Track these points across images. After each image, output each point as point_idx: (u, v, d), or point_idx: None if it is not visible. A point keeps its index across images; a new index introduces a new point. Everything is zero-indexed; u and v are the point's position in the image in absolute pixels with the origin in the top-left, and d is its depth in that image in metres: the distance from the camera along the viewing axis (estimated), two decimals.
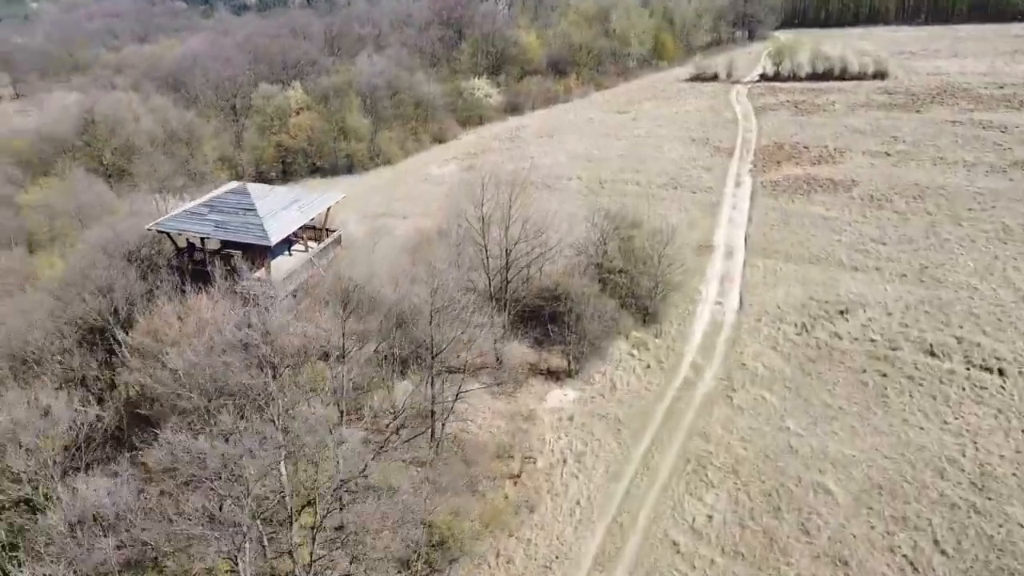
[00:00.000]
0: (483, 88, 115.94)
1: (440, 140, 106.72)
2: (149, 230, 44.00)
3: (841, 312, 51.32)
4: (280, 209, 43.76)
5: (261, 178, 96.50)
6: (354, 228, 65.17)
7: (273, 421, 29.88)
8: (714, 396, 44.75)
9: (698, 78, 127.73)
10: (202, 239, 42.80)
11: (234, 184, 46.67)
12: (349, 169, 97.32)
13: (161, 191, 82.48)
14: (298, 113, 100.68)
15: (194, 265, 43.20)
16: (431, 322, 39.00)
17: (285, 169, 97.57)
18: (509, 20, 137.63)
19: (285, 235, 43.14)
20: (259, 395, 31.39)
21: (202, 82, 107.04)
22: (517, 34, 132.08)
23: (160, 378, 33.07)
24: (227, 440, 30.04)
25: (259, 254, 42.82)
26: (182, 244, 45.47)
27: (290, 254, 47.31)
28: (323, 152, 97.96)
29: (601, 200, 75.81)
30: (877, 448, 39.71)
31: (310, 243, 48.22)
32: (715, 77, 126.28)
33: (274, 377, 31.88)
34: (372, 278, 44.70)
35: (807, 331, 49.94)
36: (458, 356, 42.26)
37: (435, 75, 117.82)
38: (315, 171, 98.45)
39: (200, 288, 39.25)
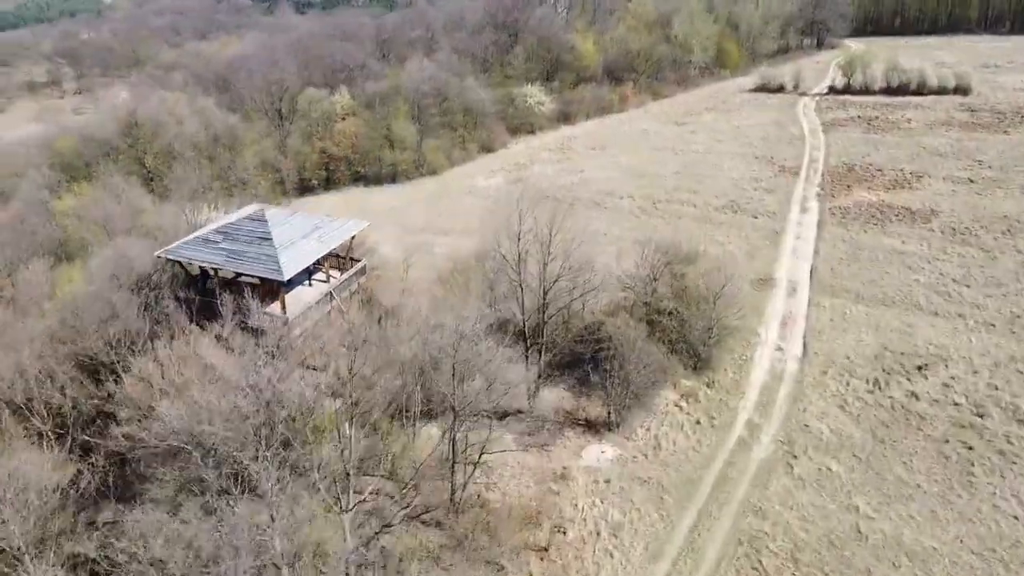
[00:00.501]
0: (535, 95, 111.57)
1: (488, 149, 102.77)
2: (159, 256, 40.95)
3: (919, 368, 45.59)
4: (299, 238, 40.26)
5: (303, 186, 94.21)
6: (389, 250, 61.64)
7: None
8: (772, 463, 39.67)
9: (762, 89, 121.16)
10: (214, 270, 39.59)
11: (252, 208, 43.40)
12: (393, 178, 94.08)
13: (193, 200, 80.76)
14: (344, 119, 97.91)
15: (203, 296, 39.96)
16: (453, 376, 34.95)
17: (328, 177, 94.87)
18: (565, 24, 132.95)
19: (302, 268, 39.62)
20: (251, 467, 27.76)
21: (249, 84, 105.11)
22: (573, 39, 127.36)
23: (147, 433, 29.69)
24: (212, 512, 26.50)
25: (274, 286, 39.33)
26: (195, 271, 42.39)
27: (310, 284, 43.86)
28: (367, 160, 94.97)
29: (653, 222, 71.22)
30: (961, 540, 34.24)
31: (333, 272, 44.68)
32: (781, 88, 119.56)
33: (268, 446, 28.13)
34: (391, 320, 40.84)
35: (880, 388, 44.36)
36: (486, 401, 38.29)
37: (486, 81, 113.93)
38: (359, 179, 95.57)
39: (205, 325, 35.93)
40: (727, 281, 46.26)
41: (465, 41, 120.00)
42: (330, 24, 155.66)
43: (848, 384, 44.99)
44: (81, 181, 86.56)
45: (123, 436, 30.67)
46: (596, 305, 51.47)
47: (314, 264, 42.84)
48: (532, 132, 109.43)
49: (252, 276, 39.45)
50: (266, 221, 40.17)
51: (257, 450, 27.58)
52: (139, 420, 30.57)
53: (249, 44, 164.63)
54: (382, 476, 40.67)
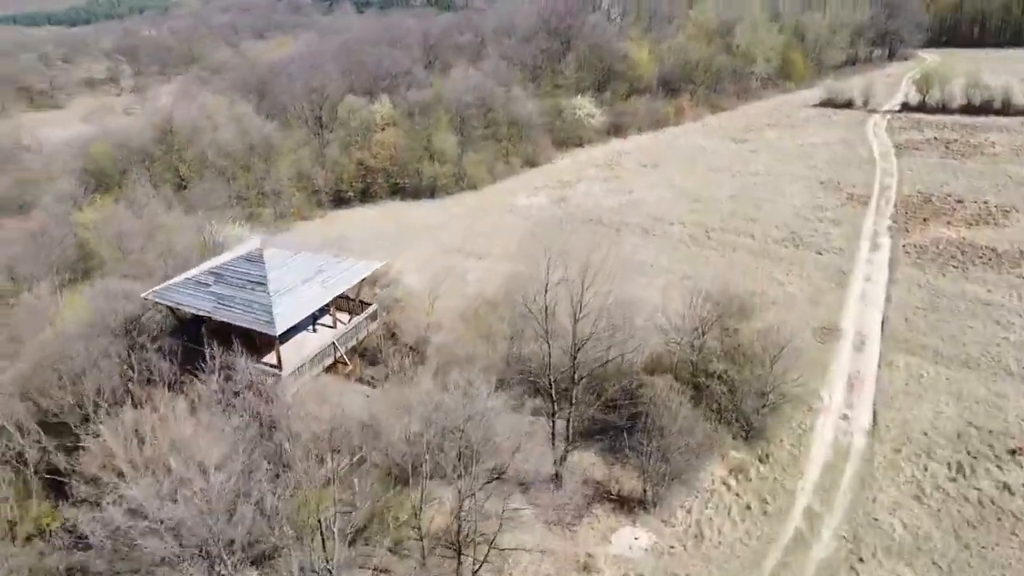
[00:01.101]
0: (585, 107, 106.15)
1: (532, 164, 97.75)
2: (146, 299, 37.09)
3: (1012, 452, 39.13)
4: (299, 283, 36.01)
5: (339, 198, 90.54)
6: (415, 280, 57.14)
7: None
8: (834, 567, 33.83)
9: (829, 104, 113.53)
10: (204, 317, 35.57)
11: (252, 245, 39.23)
12: (432, 193, 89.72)
13: (222, 210, 77.86)
14: (383, 129, 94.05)
15: (194, 344, 35.93)
16: (459, 459, 30.16)
17: (365, 189, 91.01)
18: (619, 32, 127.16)
19: (299, 319, 35.26)
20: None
21: (290, 90, 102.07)
22: (627, 47, 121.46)
23: (101, 522, 25.57)
24: None
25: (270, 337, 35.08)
26: (186, 315, 38.46)
27: (314, 330, 39.66)
28: (406, 173, 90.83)
29: (706, 254, 65.38)
30: None
31: (340, 315, 40.27)
32: (849, 104, 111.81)
33: None
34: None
35: (964, 476, 38.06)
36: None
37: (534, 91, 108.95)
38: (396, 192, 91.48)
39: (190, 381, 31.77)
40: (787, 342, 40.29)
41: (514, 48, 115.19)
42: (379, 27, 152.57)
43: (926, 468, 38.75)
44: (113, 189, 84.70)
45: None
46: (635, 357, 46.10)
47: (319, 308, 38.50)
48: (580, 145, 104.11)
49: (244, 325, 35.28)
50: (263, 262, 36.02)
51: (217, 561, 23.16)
52: (94, 502, 26.52)
53: (300, 46, 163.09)
54: (388, 549, 36.44)
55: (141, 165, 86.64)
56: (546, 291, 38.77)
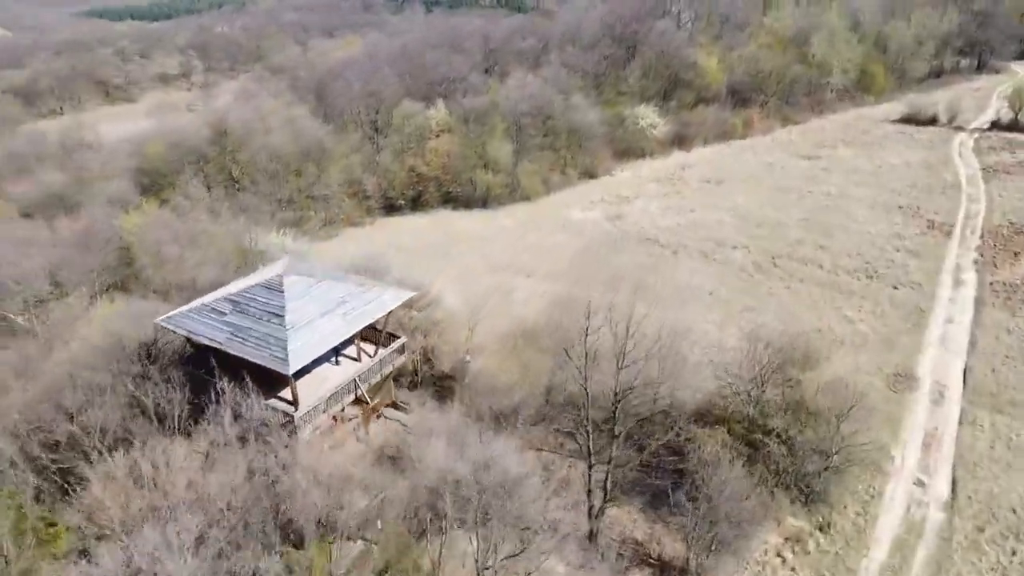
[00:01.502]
0: (648, 117, 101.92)
1: (590, 175, 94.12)
2: (159, 325, 35.08)
3: None
4: (318, 316, 33.43)
5: (389, 205, 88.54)
6: (456, 300, 54.29)
7: None
8: None
9: (910, 120, 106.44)
10: (215, 349, 33.25)
11: (274, 270, 36.76)
12: (484, 203, 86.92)
13: (273, 214, 76.63)
14: (437, 136, 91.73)
15: (201, 373, 33.69)
16: (476, 524, 27.08)
17: (416, 197, 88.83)
18: (689, 39, 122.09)
19: (315, 356, 32.66)
20: None
21: (347, 93, 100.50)
22: (696, 55, 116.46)
23: None
24: None
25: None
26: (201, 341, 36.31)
27: (337, 362, 37.07)
28: (458, 181, 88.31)
29: (769, 285, 60.86)
30: None
31: (367, 346, 37.60)
32: (932, 121, 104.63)
33: None
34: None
35: None
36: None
37: (595, 99, 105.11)
38: (448, 201, 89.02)
39: (196, 418, 29.50)
40: (856, 401, 35.90)
41: (576, 55, 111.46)
42: (442, 29, 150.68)
43: (1014, 555, 34.00)
44: (166, 189, 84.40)
45: None
46: (686, 396, 42.34)
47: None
48: (641, 157, 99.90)
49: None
50: (282, 291, 33.57)
51: None
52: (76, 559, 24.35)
53: (366, 46, 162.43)
54: None
55: (195, 166, 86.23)
56: (586, 336, 35.02)
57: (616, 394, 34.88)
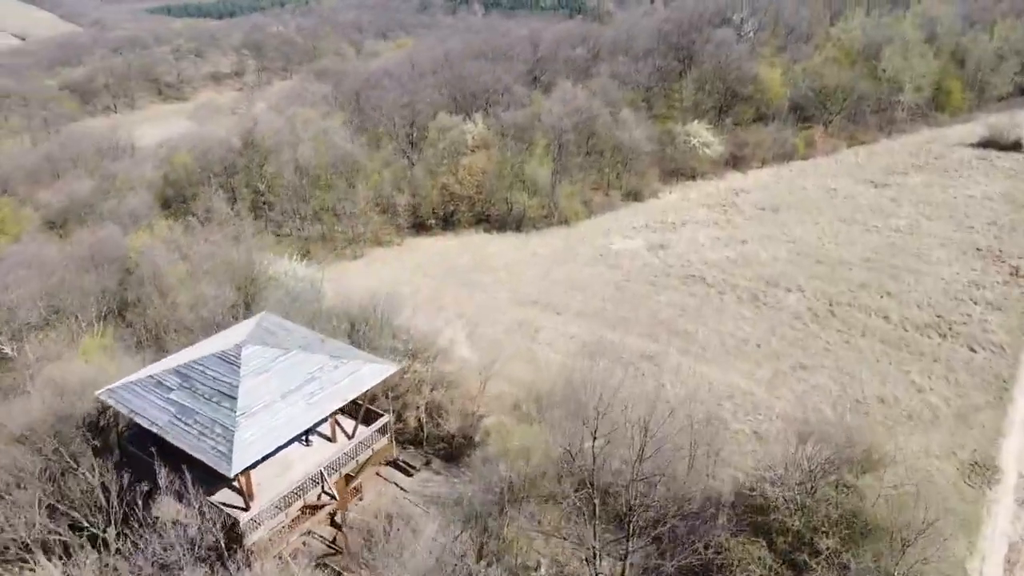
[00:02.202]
0: (701, 135, 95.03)
1: (635, 197, 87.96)
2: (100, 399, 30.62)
3: None
4: (279, 398, 28.56)
5: (419, 223, 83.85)
6: (469, 350, 48.91)
7: None
8: None
9: (991, 144, 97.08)
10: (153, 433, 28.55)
11: (241, 331, 31.99)
12: (518, 225, 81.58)
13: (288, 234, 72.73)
14: (473, 152, 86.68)
15: (144, 456, 29.09)
16: None
17: (447, 217, 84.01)
18: (750, 51, 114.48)
19: (266, 452, 27.68)
20: None
21: (385, 102, 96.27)
22: (756, 68, 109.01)
23: None
24: None
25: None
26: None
27: (307, 443, 32.17)
28: (493, 201, 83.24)
29: (825, 338, 54.23)
30: None
31: (343, 422, 32.59)
32: (1016, 145, 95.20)
33: None
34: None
35: None
36: None
37: (645, 114, 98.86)
38: (481, 221, 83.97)
39: (124, 527, 24.82)
40: (928, 524, 29.35)
41: (627, 65, 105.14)
42: (490, 35, 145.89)
43: None
44: (189, 202, 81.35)
45: None
46: (722, 489, 36.40)
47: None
48: (692, 178, 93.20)
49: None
50: (239, 366, 28.75)
51: None
52: None
53: (409, 52, 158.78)
54: None
55: (220, 178, 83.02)
56: (594, 440, 29.38)
57: (629, 511, 29.10)
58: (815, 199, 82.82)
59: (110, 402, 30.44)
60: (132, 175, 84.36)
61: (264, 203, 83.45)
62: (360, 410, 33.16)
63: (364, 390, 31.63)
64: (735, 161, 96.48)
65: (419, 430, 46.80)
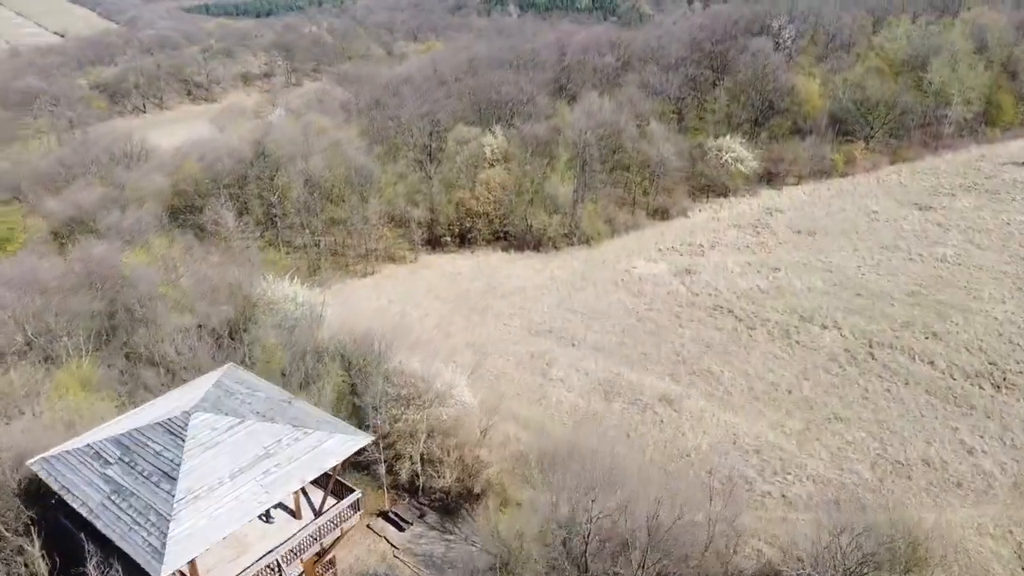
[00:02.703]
0: (734, 150, 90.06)
1: (661, 215, 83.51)
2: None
3: None
4: (227, 478, 24.88)
5: (434, 240, 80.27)
6: (469, 397, 44.84)
7: None
8: None
9: None
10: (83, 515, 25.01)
11: (197, 390, 28.40)
12: (537, 245, 77.62)
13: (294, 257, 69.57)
14: (491, 166, 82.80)
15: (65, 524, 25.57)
16: None
17: (463, 234, 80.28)
18: (788, 60, 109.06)
19: (207, 546, 23.96)
20: None
21: (403, 112, 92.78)
22: (794, 79, 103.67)
23: None
24: None
25: None
26: None
27: (268, 519, 28.46)
28: (511, 218, 79.26)
29: (864, 384, 49.76)
30: None
31: (311, 492, 28.85)
32: None
33: None
34: None
35: None
36: None
37: (675, 127, 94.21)
38: (498, 239, 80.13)
39: None
40: None
41: (657, 75, 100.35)
42: (517, 39, 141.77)
43: None
44: (196, 214, 78.53)
45: None
46: (738, 563, 32.09)
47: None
48: (724, 195, 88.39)
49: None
50: (183, 439, 25.09)
51: None
52: None
53: (444, 52, 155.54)
54: None
55: (230, 188, 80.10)
56: (591, 522, 25.34)
57: None
58: (854, 222, 77.58)
59: (42, 475, 27.09)
60: (141, 184, 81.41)
61: (274, 216, 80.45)
62: (329, 481, 29.36)
63: (328, 468, 27.78)
64: (769, 178, 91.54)
65: (414, 478, 43.13)
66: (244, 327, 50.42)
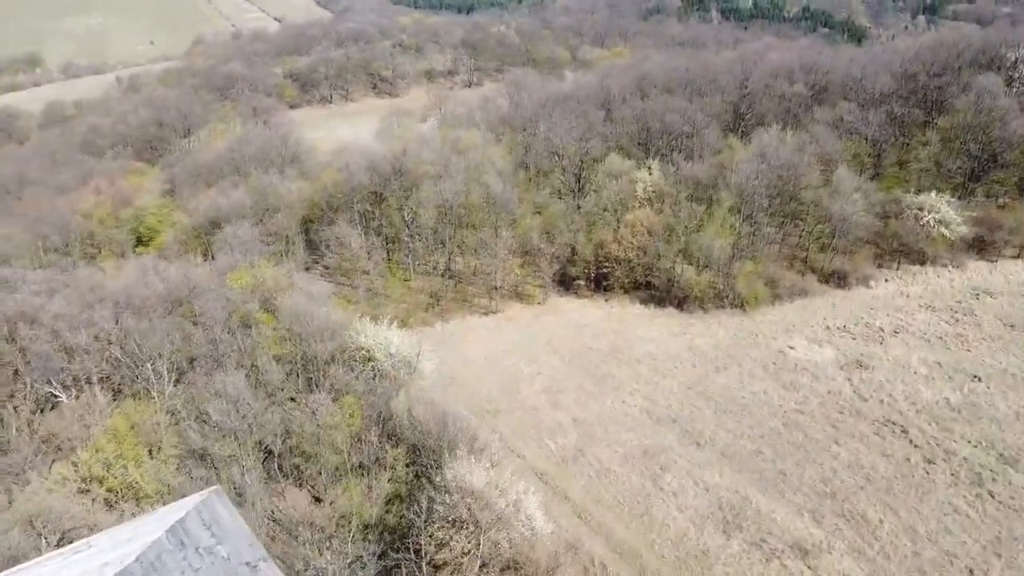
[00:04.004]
0: (939, 208, 74.72)
1: (838, 282, 70.66)
2: None
3: None
4: None
5: (567, 282, 72.70)
6: (540, 522, 36.72)
7: None
8: None
9: None
10: None
11: (146, 535, 22.39)
12: (681, 303, 67.84)
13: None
14: (641, 205, 73.73)
15: None
16: None
17: (599, 280, 71.95)
18: (1021, 102, 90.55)
19: None
20: None
21: (555, 132, 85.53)
22: None
23: None
24: None
25: None
26: None
27: None
28: (654, 268, 69.95)
29: None
30: None
31: None
32: None
33: None
34: None
35: None
36: None
37: (868, 176, 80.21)
38: (638, 288, 71.17)
39: None
40: None
41: (853, 111, 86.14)
42: (708, 51, 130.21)
43: None
44: (323, 228, 75.75)
45: None
46: None
47: None
48: (919, 263, 73.57)
49: None
50: None
51: None
52: None
53: (617, 66, 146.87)
54: None
55: (361, 204, 76.66)
56: None
57: None
58: None
59: None
60: (280, 190, 79.79)
61: (397, 238, 76.27)
62: None
63: None
64: (981, 247, 75.29)
65: None
66: (319, 381, 45.53)
